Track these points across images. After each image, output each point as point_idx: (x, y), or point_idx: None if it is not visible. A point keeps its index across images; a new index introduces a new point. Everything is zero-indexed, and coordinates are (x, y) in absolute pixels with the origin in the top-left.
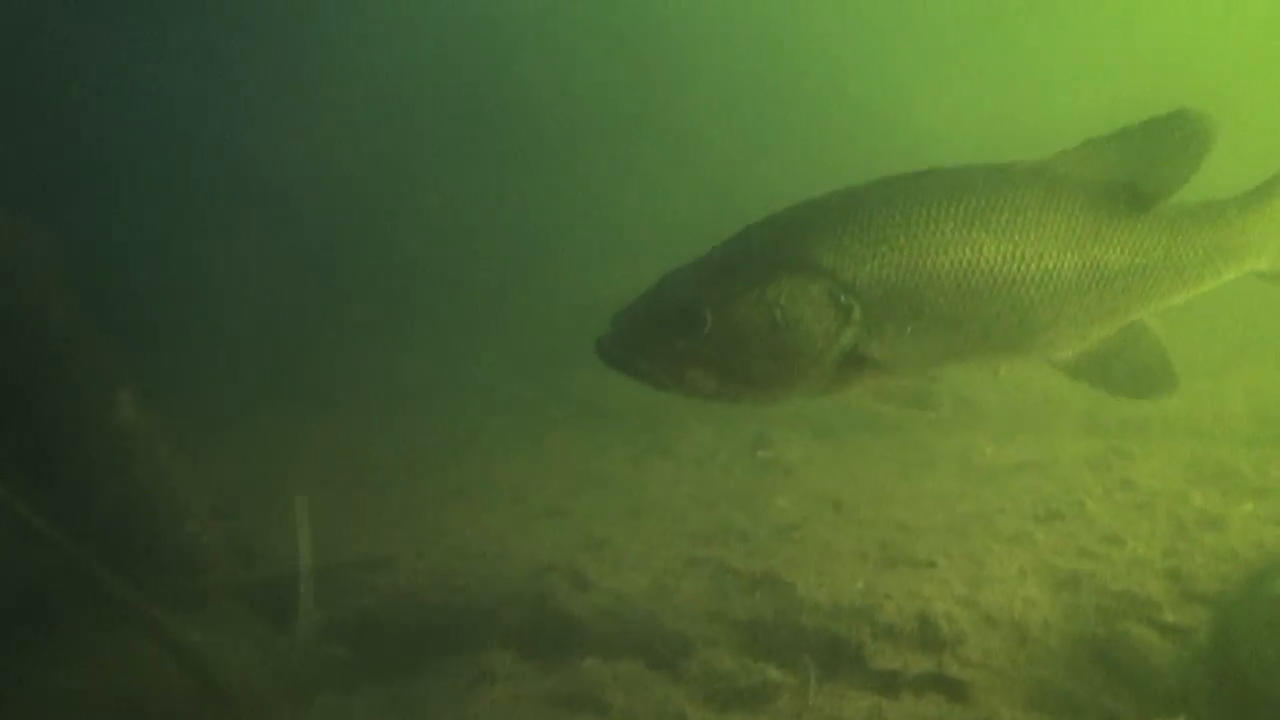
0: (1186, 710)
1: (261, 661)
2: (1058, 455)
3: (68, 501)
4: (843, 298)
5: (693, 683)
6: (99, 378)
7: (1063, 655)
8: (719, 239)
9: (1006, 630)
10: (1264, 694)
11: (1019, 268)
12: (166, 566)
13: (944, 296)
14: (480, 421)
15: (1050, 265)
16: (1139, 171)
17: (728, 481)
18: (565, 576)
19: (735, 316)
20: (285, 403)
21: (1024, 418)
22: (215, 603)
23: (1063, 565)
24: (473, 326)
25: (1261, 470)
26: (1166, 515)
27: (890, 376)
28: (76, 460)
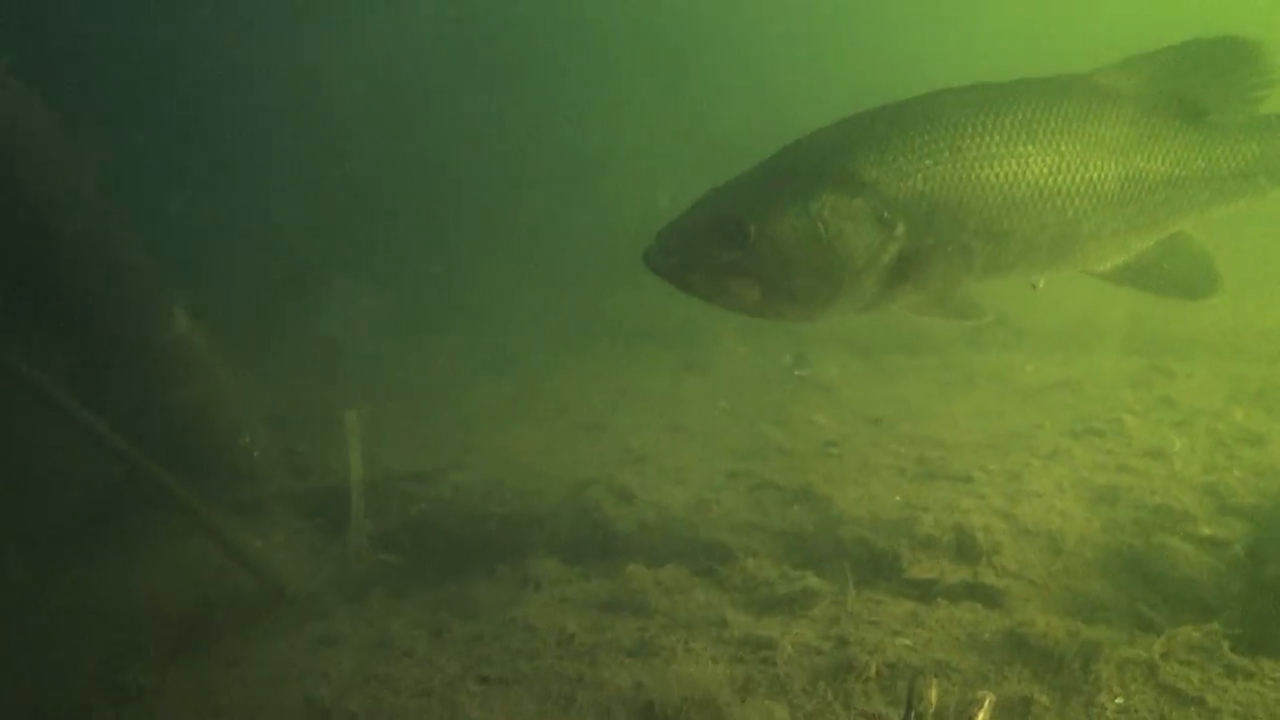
0: (1220, 619)
1: (316, 566)
2: (1098, 374)
3: (130, 413)
4: (886, 213)
5: (734, 589)
6: (156, 293)
7: (1098, 566)
8: (762, 158)
9: (1043, 542)
10: None
11: (1065, 179)
12: (224, 476)
13: (988, 210)
14: (523, 340)
15: (1095, 176)
16: (1183, 87)
17: (765, 399)
18: (608, 489)
19: (778, 231)
20: (334, 319)
21: (1064, 337)
22: (270, 511)
23: (1100, 480)
24: (516, 248)
25: None
26: (1206, 432)
27: (932, 291)
28: (136, 373)
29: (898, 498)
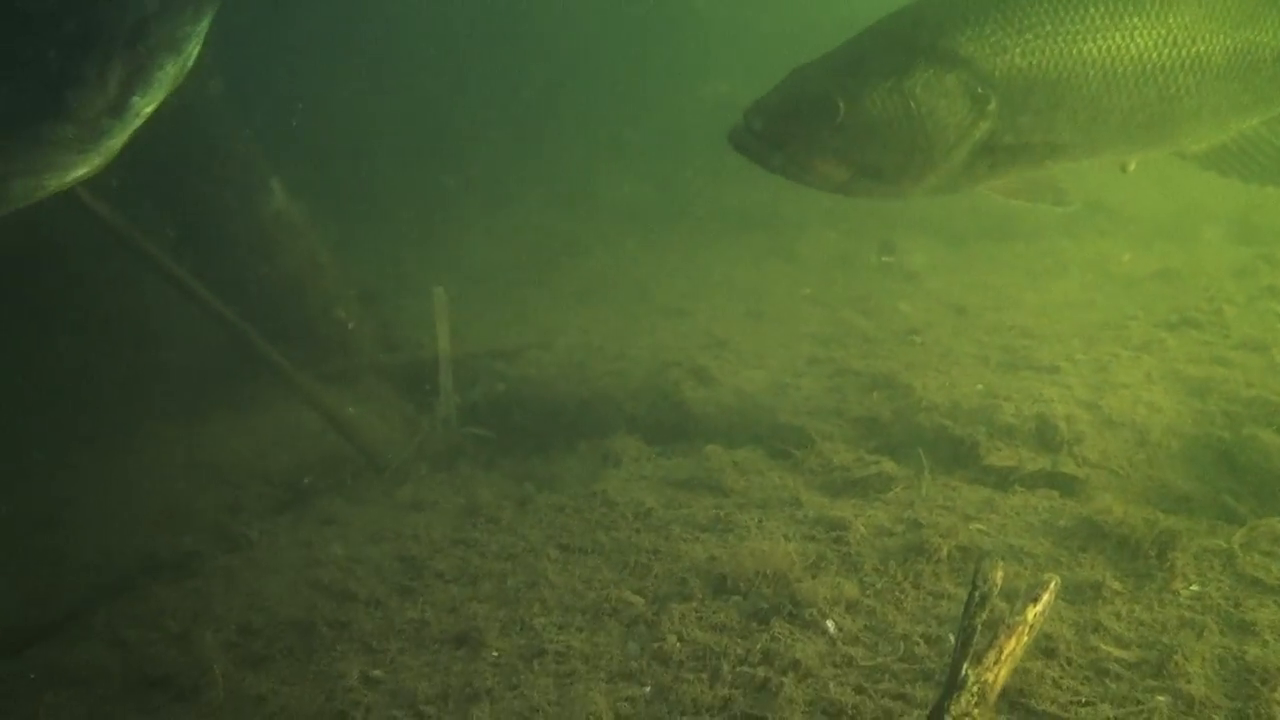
0: None
1: (407, 436)
2: (1201, 263)
3: (231, 283)
4: (979, 88)
5: (809, 472)
6: (253, 167)
7: (1184, 457)
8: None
9: (1127, 433)
10: None
11: (1170, 53)
12: (319, 347)
13: (1087, 86)
14: (603, 224)
15: (1202, 50)
16: None
17: (850, 285)
18: (688, 372)
19: (868, 106)
20: (421, 202)
21: (1167, 225)
22: (363, 382)
23: (1194, 372)
24: (593, 133)
25: None
26: None
27: (1024, 172)
28: (236, 245)
29: (979, 386)
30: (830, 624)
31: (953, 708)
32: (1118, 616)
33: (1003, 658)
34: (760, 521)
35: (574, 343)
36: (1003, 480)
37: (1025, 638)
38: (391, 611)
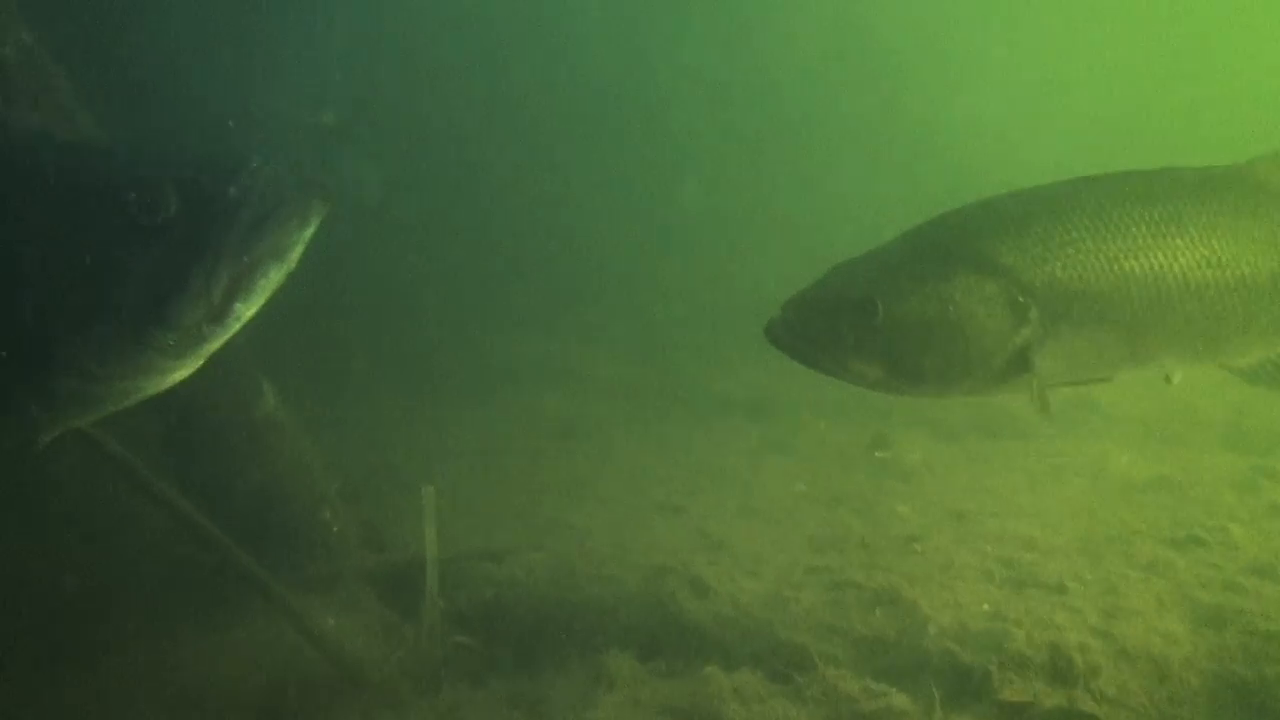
0: None
1: (390, 646)
2: (1198, 472)
3: (214, 488)
4: (1020, 298)
5: (813, 702)
6: (245, 367)
7: (1206, 696)
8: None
9: (1145, 666)
10: None
11: (1214, 274)
12: (302, 550)
13: (1131, 302)
14: (597, 410)
15: (1246, 272)
16: None
17: (846, 483)
18: (683, 580)
19: (907, 310)
20: (401, 386)
21: (1160, 428)
22: (345, 588)
23: (1206, 599)
24: (585, 315)
25: None
26: None
27: (1062, 380)
28: (225, 446)
29: (986, 606)
30: None
31: None
32: None
33: None
34: None
35: (566, 542)
36: (1018, 717)
37: None
38: None
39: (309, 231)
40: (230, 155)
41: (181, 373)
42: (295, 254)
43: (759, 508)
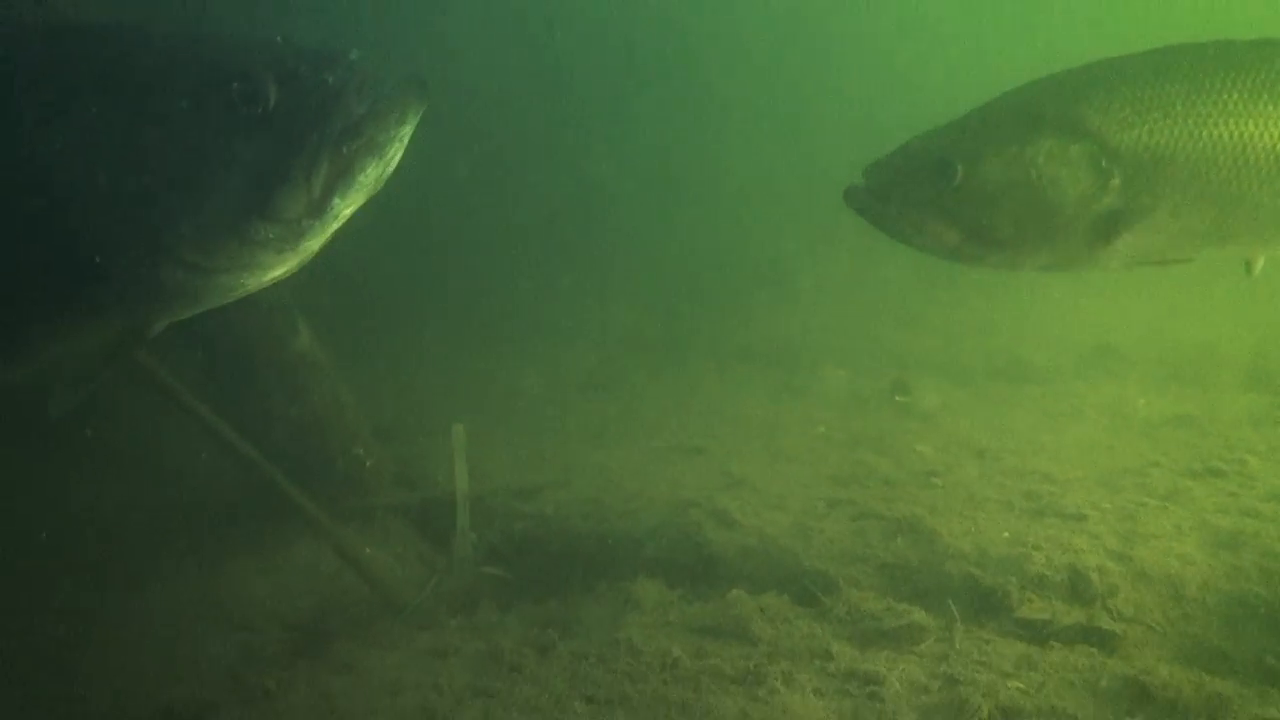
0: None
1: (425, 576)
2: (1217, 410)
3: (252, 423)
4: (1104, 162)
5: (838, 621)
6: (281, 305)
7: (1221, 614)
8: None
9: (1162, 586)
10: None
11: None
12: (337, 485)
13: (1219, 172)
14: (619, 360)
15: None
16: None
17: (866, 425)
18: (708, 513)
19: (988, 172)
20: (429, 336)
21: (1180, 370)
22: (380, 521)
23: (1223, 524)
24: (607, 270)
25: None
26: None
27: (1142, 255)
28: (262, 382)
29: (1006, 534)
30: None
31: None
32: None
33: None
34: (791, 674)
35: (592, 480)
36: (1037, 634)
37: None
38: None
39: (407, 129)
40: (329, 49)
41: (280, 269)
42: (394, 151)
43: (780, 449)
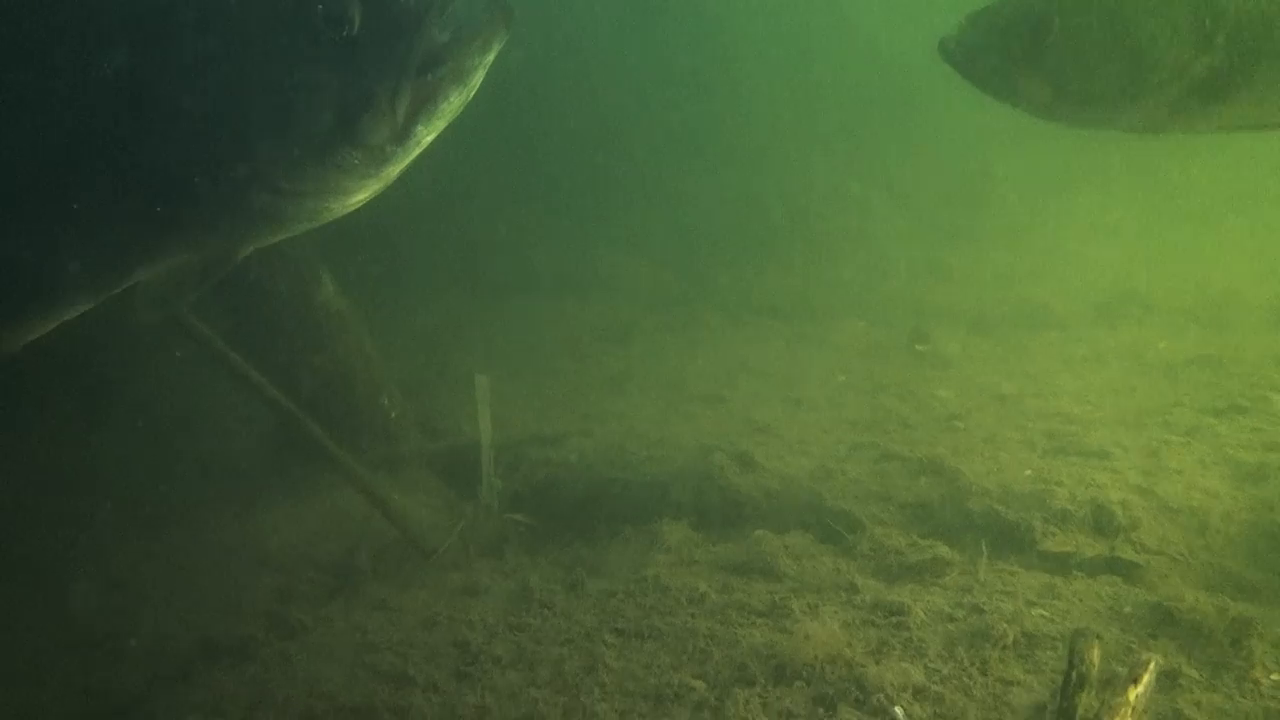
0: None
1: (452, 522)
2: (1239, 351)
3: (281, 375)
4: (1208, 21)
5: (862, 557)
6: (304, 257)
7: (1245, 545)
8: None
9: (1185, 519)
10: None
11: None
12: (363, 435)
13: None
14: (637, 315)
15: None
16: None
17: (886, 373)
18: (731, 457)
19: (1082, 27)
20: (453, 290)
21: (1200, 313)
22: (407, 470)
23: (1247, 458)
24: (625, 225)
25: None
26: None
27: (1239, 118)
28: (287, 334)
29: (1028, 471)
30: (899, 710)
31: None
32: (1198, 706)
33: None
34: (817, 606)
35: (614, 428)
36: (1061, 566)
37: (1129, 719)
38: (451, 697)
39: (490, 57)
40: None
41: (363, 194)
42: (476, 79)
43: (801, 397)
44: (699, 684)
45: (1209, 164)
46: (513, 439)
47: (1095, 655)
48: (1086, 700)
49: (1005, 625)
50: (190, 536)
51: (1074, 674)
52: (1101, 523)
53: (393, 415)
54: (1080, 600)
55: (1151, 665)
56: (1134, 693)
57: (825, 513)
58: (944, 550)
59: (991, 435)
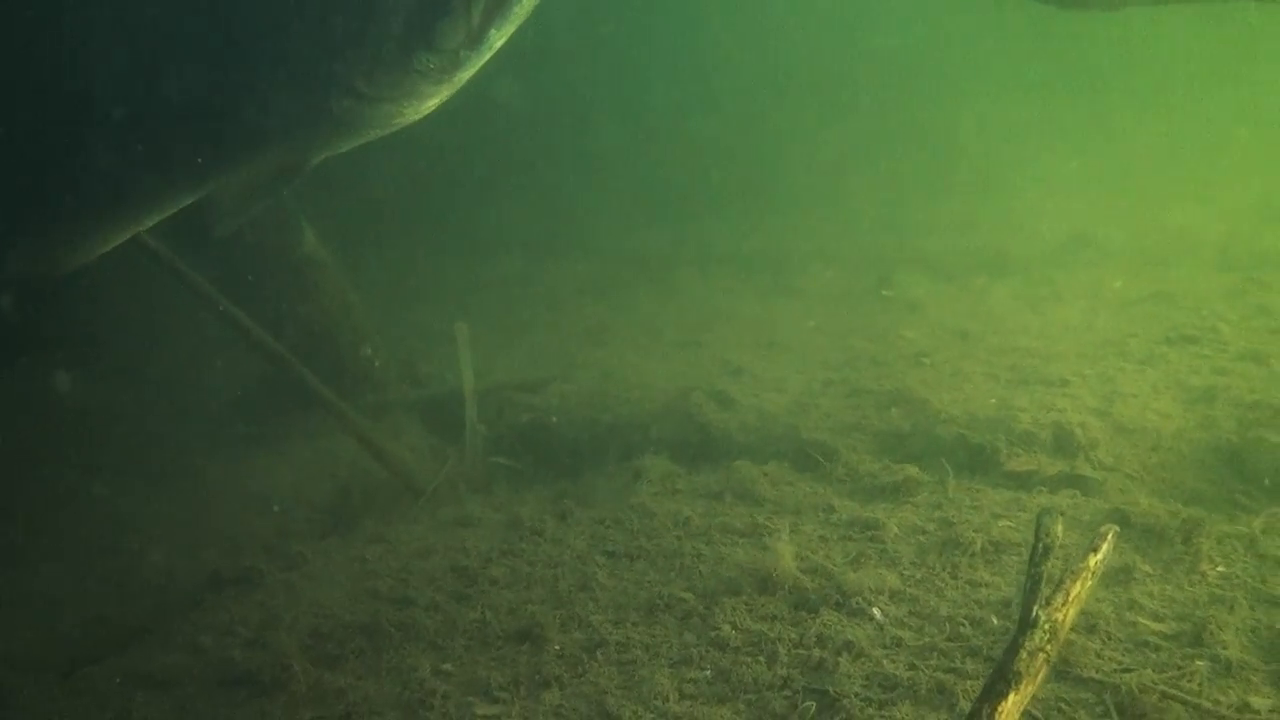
0: None
1: (439, 465)
2: (1190, 287)
3: (266, 322)
4: None
5: (838, 481)
6: (285, 209)
7: (1196, 460)
8: None
9: (1140, 438)
10: None
11: None
12: (348, 383)
13: None
14: (610, 270)
15: None
16: None
17: (854, 317)
18: (709, 396)
19: None
20: (428, 247)
21: (1154, 255)
22: (391, 416)
23: (1197, 382)
24: (597, 180)
25: None
26: None
27: None
28: (272, 284)
29: (992, 400)
30: (877, 611)
31: (1027, 643)
32: (1151, 596)
33: (1070, 599)
34: (796, 525)
35: (594, 375)
36: (1024, 483)
37: (1089, 582)
38: (452, 614)
39: None
40: None
41: (435, 100)
42: None
43: (774, 340)
44: (688, 595)
45: (1162, 116)
46: (496, 385)
47: (1059, 529)
48: (1051, 567)
49: (973, 534)
50: (184, 482)
51: (1040, 545)
52: (1062, 443)
53: (376, 364)
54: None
55: (1110, 535)
56: (1094, 559)
57: (801, 443)
58: (915, 472)
59: (957, 369)
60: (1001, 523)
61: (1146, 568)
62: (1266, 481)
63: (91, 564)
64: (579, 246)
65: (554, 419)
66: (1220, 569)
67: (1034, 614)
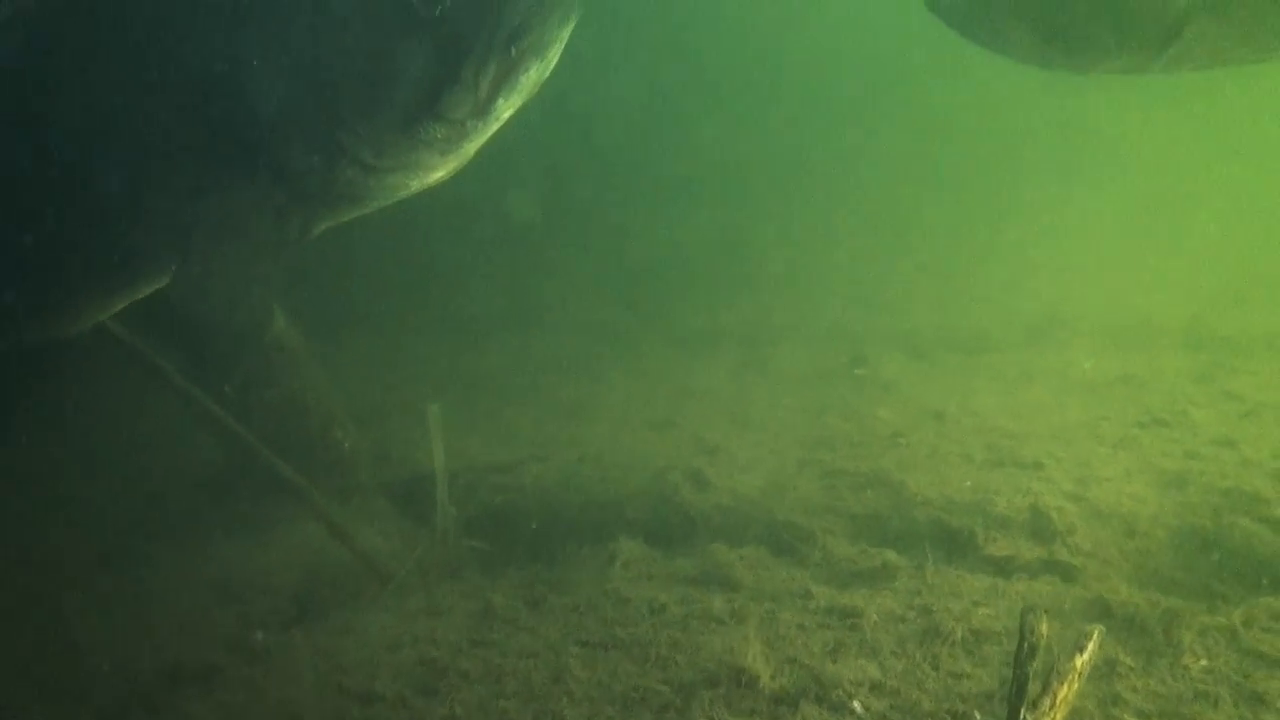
0: None
1: (409, 550)
2: (1159, 370)
3: (236, 406)
4: None
5: (815, 566)
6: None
7: (1172, 546)
8: None
9: (1116, 523)
10: None
11: None
12: (317, 467)
13: None
14: (585, 347)
15: None
16: None
17: (828, 396)
18: (684, 477)
19: None
20: (397, 327)
21: (1121, 336)
22: (361, 500)
23: (1170, 466)
24: (566, 262)
25: None
26: (1275, 421)
27: (1217, 54)
28: (240, 368)
29: (969, 482)
30: (857, 704)
31: None
32: (1135, 691)
33: (1057, 703)
34: (774, 612)
35: (568, 455)
36: (1003, 568)
37: (1076, 684)
38: (420, 713)
39: (568, 30)
40: None
41: (441, 171)
42: (555, 52)
43: (749, 419)
44: (664, 688)
45: (1118, 199)
46: (468, 466)
47: (1044, 627)
48: (1037, 668)
49: (954, 623)
50: (142, 571)
51: (1025, 645)
52: (1039, 528)
53: (346, 446)
54: (1023, 599)
55: (1095, 634)
56: (1080, 660)
57: (777, 526)
58: (893, 557)
59: (933, 450)
60: (981, 610)
61: (1129, 660)
62: (1240, 567)
63: (38, 660)
64: (550, 319)
65: (526, 501)
66: (1203, 663)
67: (1020, 718)
